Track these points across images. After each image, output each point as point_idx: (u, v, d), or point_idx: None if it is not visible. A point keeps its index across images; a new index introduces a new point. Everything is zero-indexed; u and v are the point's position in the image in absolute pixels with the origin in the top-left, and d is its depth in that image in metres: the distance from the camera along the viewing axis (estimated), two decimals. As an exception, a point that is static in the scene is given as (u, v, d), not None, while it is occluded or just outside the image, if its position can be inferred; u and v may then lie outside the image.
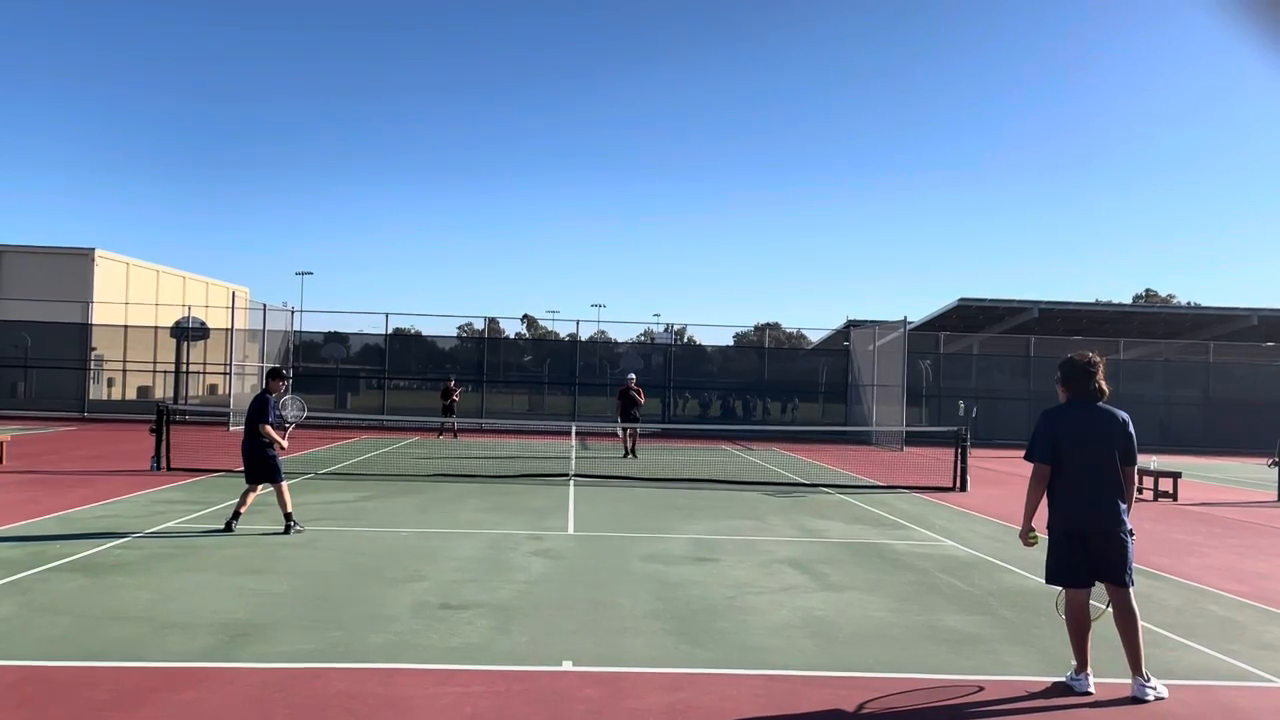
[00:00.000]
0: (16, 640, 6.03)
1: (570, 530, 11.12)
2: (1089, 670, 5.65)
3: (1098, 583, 5.68)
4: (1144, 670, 5.52)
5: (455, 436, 27.08)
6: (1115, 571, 5.58)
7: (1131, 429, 5.66)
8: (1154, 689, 5.47)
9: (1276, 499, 17.08)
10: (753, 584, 8.40)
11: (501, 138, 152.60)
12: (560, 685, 5.46)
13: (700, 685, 5.54)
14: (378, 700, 5.11)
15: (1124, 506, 5.60)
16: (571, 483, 15.80)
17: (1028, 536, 5.83)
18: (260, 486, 10.55)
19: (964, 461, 16.89)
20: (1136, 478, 16.97)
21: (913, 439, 27.47)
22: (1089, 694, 5.53)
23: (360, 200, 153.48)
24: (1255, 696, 5.67)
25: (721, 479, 17.28)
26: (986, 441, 29.12)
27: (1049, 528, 5.78)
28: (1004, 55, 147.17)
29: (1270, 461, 18.54)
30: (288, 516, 10.27)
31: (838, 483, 17.70)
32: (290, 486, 10.74)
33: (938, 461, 19.64)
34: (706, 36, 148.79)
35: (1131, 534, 5.62)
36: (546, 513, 12.40)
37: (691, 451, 24.38)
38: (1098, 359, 5.81)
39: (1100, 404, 5.73)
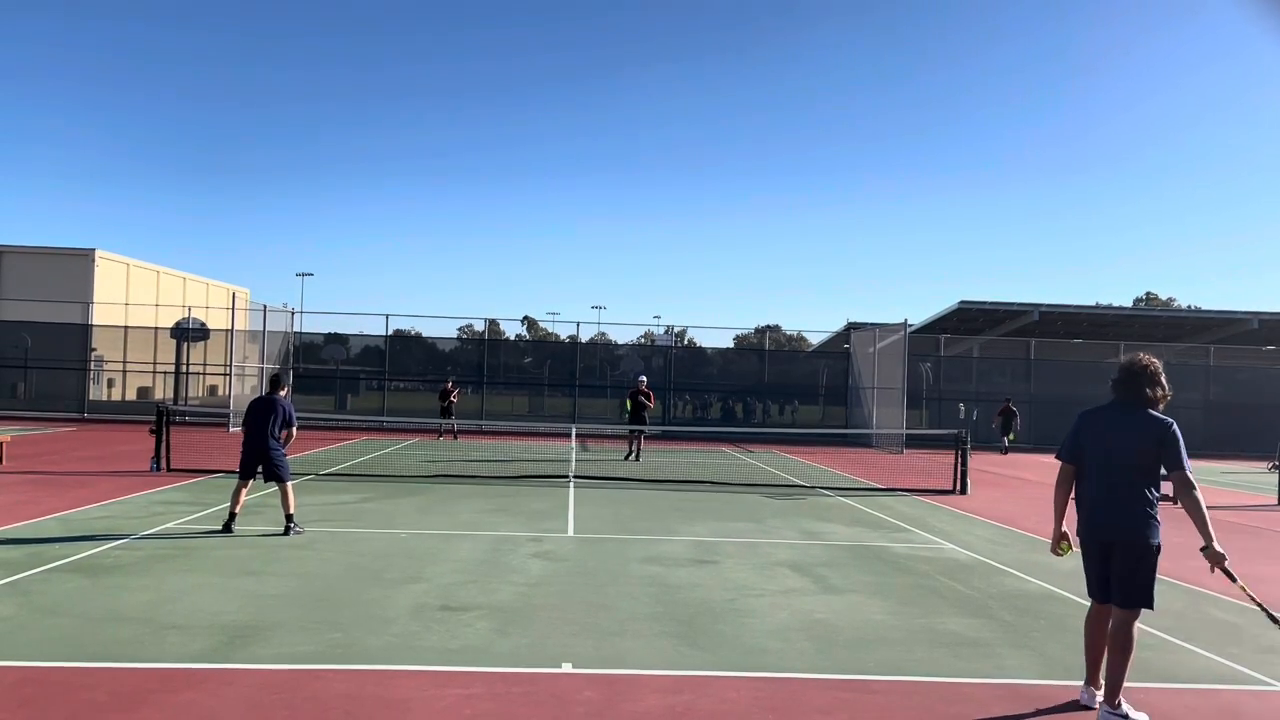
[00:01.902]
0: (16, 641, 6.02)
1: (570, 532, 11.11)
2: (1096, 684, 5.40)
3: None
4: (1116, 699, 5.14)
5: (455, 438, 27.04)
6: (1120, 586, 5.18)
7: (1171, 434, 5.21)
8: (1124, 716, 5.11)
9: (1277, 502, 17.07)
10: (752, 586, 8.39)
11: (502, 140, 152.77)
12: (560, 687, 5.45)
13: (700, 688, 5.53)
14: (377, 702, 5.10)
15: (1149, 517, 5.17)
16: (571, 484, 15.79)
17: (1059, 546, 5.49)
18: (251, 482, 10.60)
19: (964, 464, 16.88)
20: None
21: (913, 441, 27.47)
22: (1092, 709, 5.40)
23: (361, 201, 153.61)
24: (1257, 700, 5.66)
25: (721, 481, 17.27)
26: (987, 444, 29.10)
27: (1078, 533, 5.51)
28: (1006, 60, 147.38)
29: (1271, 465, 18.53)
30: (289, 517, 10.28)
31: (838, 485, 17.70)
32: (291, 488, 10.74)
33: (938, 464, 19.63)
34: (708, 39, 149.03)
35: (1157, 549, 5.18)
36: (546, 514, 12.39)
37: (691, 454, 24.38)
38: (1145, 362, 5.44)
39: (1144, 409, 5.34)
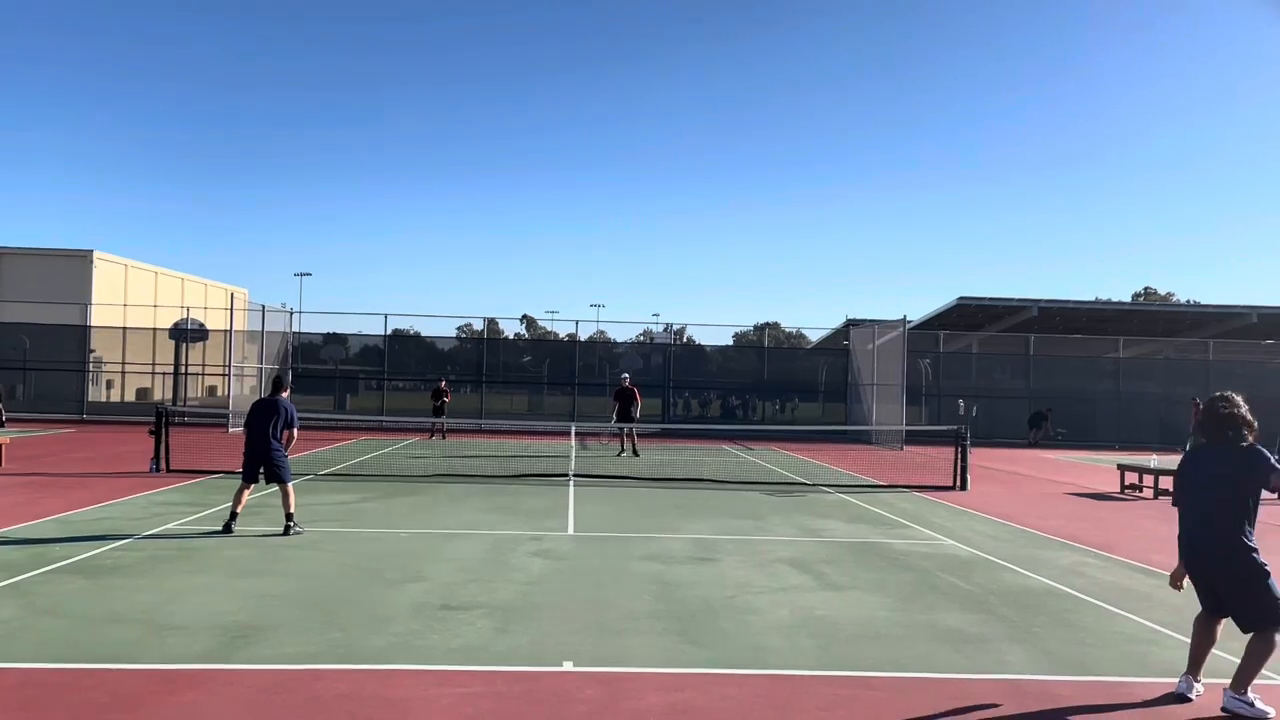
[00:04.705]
0: (16, 643, 6.02)
1: (570, 530, 11.11)
2: (1195, 677, 5.57)
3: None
4: (1244, 688, 5.28)
5: (444, 437, 26.97)
6: (1233, 609, 5.38)
7: (1260, 459, 5.31)
8: (1249, 703, 5.25)
9: (1276, 497, 17.07)
10: (753, 584, 8.39)
11: (501, 137, 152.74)
12: (561, 686, 5.46)
13: (701, 685, 5.53)
14: (378, 701, 5.10)
15: (1243, 538, 5.28)
16: (571, 483, 15.80)
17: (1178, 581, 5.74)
18: (253, 485, 10.62)
19: (964, 460, 16.88)
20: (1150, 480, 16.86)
21: (913, 438, 27.46)
22: (1185, 699, 5.47)
23: (359, 201, 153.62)
24: (1260, 695, 5.65)
25: (721, 479, 17.27)
26: (986, 440, 29.13)
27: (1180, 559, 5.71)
28: (1003, 53, 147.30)
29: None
30: (289, 517, 10.31)
31: (838, 482, 17.70)
32: (292, 488, 10.75)
33: (938, 460, 19.64)
34: (705, 34, 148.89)
35: (1261, 571, 5.26)
36: (546, 513, 12.39)
37: (691, 451, 24.38)
38: (1227, 408, 5.47)
39: (1232, 444, 5.42)
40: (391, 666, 5.71)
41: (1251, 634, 5.35)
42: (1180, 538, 5.63)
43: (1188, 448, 5.82)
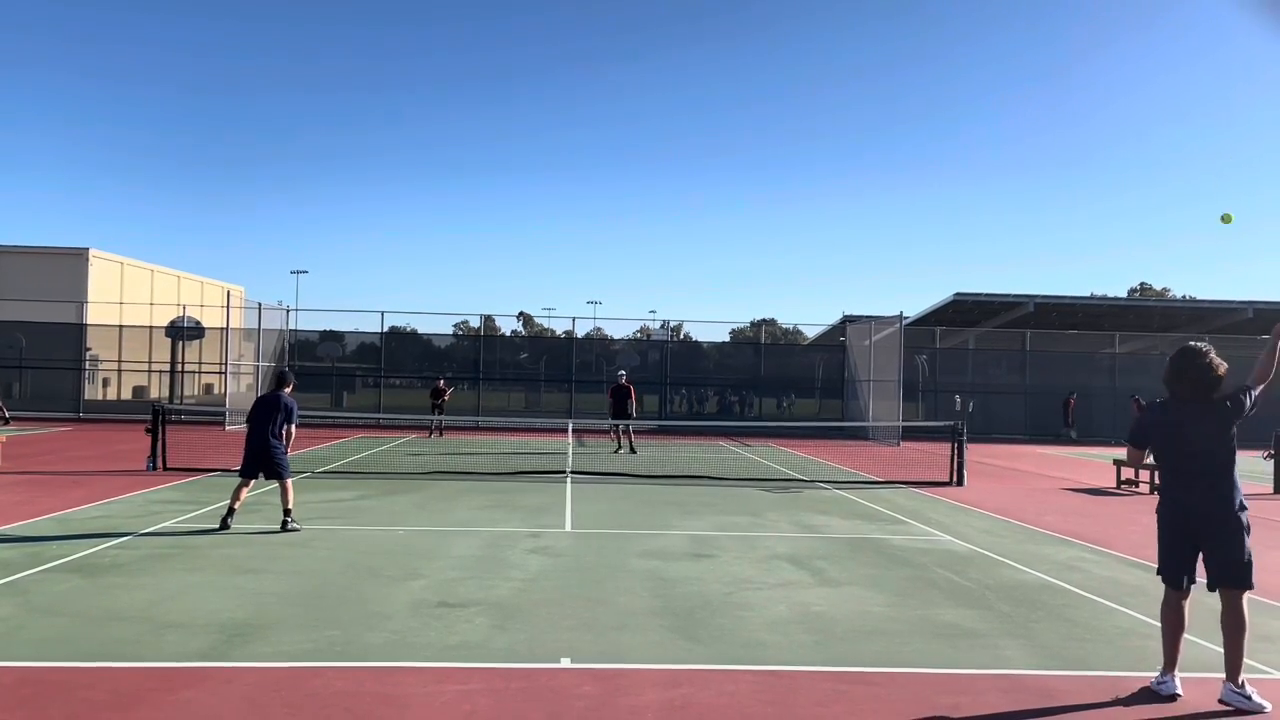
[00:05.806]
0: (14, 641, 6.01)
1: (568, 527, 11.12)
2: (1175, 671, 5.52)
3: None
4: (1240, 679, 5.31)
5: (441, 435, 26.98)
6: (1209, 561, 5.43)
7: (1235, 402, 5.45)
8: (1247, 697, 5.26)
9: (1273, 491, 17.12)
10: (750, 580, 8.41)
11: (497, 134, 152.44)
12: (558, 682, 5.46)
13: (698, 681, 5.54)
14: (376, 699, 5.11)
15: (1233, 491, 5.42)
16: (569, 480, 15.81)
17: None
18: (252, 482, 10.64)
19: (961, 456, 16.91)
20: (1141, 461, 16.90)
21: (909, 434, 27.49)
22: (1176, 696, 5.42)
23: (355, 198, 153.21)
24: (1256, 688, 5.68)
25: (718, 475, 17.29)
26: (983, 436, 29.17)
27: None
28: (1000, 51, 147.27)
29: (1267, 454, 18.57)
30: (287, 512, 10.35)
31: (835, 478, 17.73)
32: (291, 484, 10.75)
33: (934, 456, 19.67)
34: (700, 32, 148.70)
35: (1243, 525, 5.39)
36: (544, 510, 12.40)
37: (688, 448, 24.40)
38: (1198, 358, 5.49)
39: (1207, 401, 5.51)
40: (389, 664, 5.72)
41: (1222, 612, 5.38)
42: (1162, 499, 5.71)
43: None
